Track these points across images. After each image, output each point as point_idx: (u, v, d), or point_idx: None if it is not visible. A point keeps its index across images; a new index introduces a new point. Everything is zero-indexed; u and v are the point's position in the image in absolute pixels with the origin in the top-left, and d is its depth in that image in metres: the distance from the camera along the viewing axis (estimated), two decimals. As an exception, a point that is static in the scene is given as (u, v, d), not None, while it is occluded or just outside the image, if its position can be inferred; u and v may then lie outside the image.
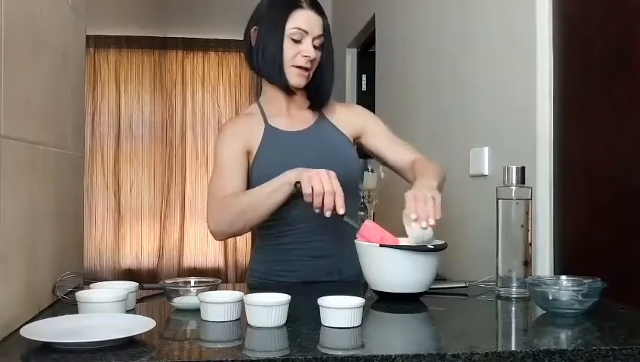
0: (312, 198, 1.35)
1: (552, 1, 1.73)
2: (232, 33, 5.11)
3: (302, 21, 1.53)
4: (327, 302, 1.08)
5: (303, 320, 1.10)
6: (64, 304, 1.26)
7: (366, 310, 1.13)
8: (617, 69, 1.49)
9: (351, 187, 1.54)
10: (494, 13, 2.04)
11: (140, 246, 5.16)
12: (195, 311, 1.15)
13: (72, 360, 0.88)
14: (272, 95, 1.63)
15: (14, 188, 1.07)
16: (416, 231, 1.31)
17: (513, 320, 1.29)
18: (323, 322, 1.07)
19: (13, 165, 1.07)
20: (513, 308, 1.33)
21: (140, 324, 1.00)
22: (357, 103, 3.98)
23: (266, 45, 1.55)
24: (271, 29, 1.54)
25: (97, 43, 5.05)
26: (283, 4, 1.54)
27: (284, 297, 1.09)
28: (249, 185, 1.56)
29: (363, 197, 1.79)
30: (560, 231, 1.69)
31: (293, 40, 1.53)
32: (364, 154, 1.69)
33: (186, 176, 5.21)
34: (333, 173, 1.36)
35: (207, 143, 5.22)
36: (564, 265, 1.68)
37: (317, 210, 1.36)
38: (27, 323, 1.03)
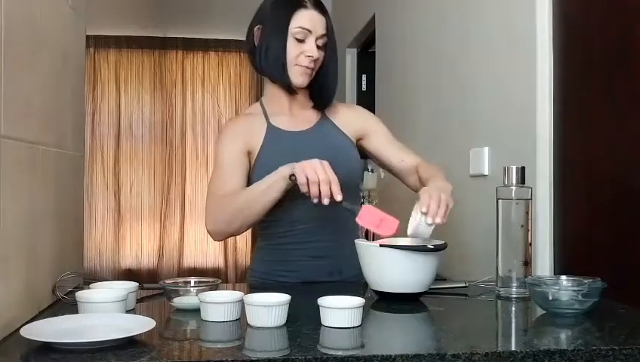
0: (308, 188, 1.34)
1: (552, 1, 1.73)
2: (232, 33, 5.12)
3: (305, 20, 1.53)
4: (327, 302, 1.08)
5: (303, 320, 1.10)
6: (64, 304, 1.26)
7: (366, 310, 1.13)
8: (617, 69, 1.49)
9: (352, 187, 1.54)
10: (494, 13, 2.04)
11: (139, 246, 5.16)
12: (195, 311, 1.15)
13: (72, 360, 0.88)
14: (274, 94, 1.63)
15: (14, 188, 1.07)
16: (419, 223, 1.31)
17: (513, 320, 1.29)
18: (323, 322, 1.07)
19: (13, 165, 1.07)
20: (513, 308, 1.33)
21: (140, 324, 1.00)
22: (357, 103, 3.99)
23: (270, 44, 1.55)
24: (274, 29, 1.54)
25: (97, 43, 5.05)
26: (287, 4, 1.54)
27: (284, 297, 1.09)
28: (249, 184, 1.55)
29: (363, 197, 1.80)
30: (560, 231, 1.69)
31: (296, 39, 1.53)
32: (364, 154, 1.69)
33: (186, 176, 5.21)
34: (325, 162, 1.35)
35: (207, 143, 5.22)
36: (564, 265, 1.68)
37: (315, 200, 1.34)
38: (27, 323, 1.03)
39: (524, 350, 0.94)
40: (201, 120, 5.24)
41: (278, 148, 1.56)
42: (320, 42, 1.55)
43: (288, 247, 1.58)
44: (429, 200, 1.31)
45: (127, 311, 1.17)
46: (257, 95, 5.19)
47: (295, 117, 1.62)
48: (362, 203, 1.48)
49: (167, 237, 5.18)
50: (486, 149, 2.06)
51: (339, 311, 1.06)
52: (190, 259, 5.21)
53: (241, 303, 1.12)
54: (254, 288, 1.53)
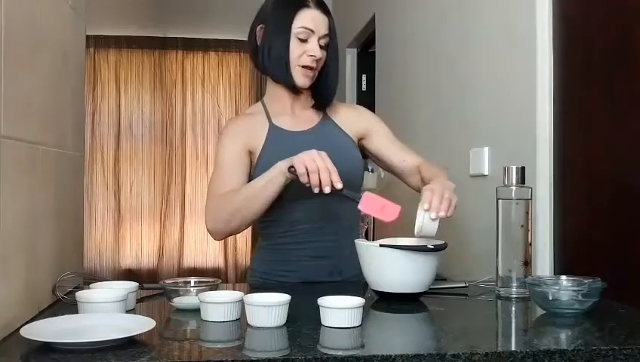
0: (308, 178, 1.34)
1: (552, 1, 1.73)
2: (232, 33, 5.12)
3: (308, 20, 1.53)
4: (327, 302, 1.08)
5: (303, 320, 1.10)
6: (64, 304, 1.26)
7: (366, 310, 1.13)
8: (617, 69, 1.49)
9: (354, 187, 1.54)
10: (494, 13, 2.04)
11: (140, 246, 5.16)
12: (195, 311, 1.15)
13: (72, 360, 0.88)
14: (276, 94, 1.63)
15: (14, 188, 1.07)
16: (424, 220, 1.30)
17: (513, 320, 1.29)
18: (323, 322, 1.07)
19: (13, 165, 1.07)
20: (513, 308, 1.33)
21: (140, 324, 1.00)
22: (357, 103, 3.98)
23: (272, 44, 1.55)
24: (277, 28, 1.54)
25: (97, 43, 5.05)
26: (289, 3, 1.54)
27: (284, 297, 1.09)
28: None
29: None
30: (560, 231, 1.69)
31: (299, 39, 1.53)
32: (365, 154, 1.69)
33: (186, 176, 5.21)
34: (323, 152, 1.35)
35: (207, 143, 5.22)
36: (564, 265, 1.68)
37: (316, 189, 1.33)
38: (27, 323, 1.03)
39: (524, 350, 0.94)
40: (201, 120, 5.24)
41: (280, 147, 1.56)
42: (322, 42, 1.55)
43: (289, 247, 1.58)
44: (431, 196, 1.31)
45: (127, 311, 1.17)
46: (257, 95, 5.19)
47: (297, 117, 1.62)
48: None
49: (167, 237, 5.18)
50: (486, 149, 2.06)
51: (339, 311, 1.06)
52: (190, 259, 5.21)
53: (241, 303, 1.12)
54: (255, 288, 1.54)
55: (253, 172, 1.56)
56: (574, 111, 1.65)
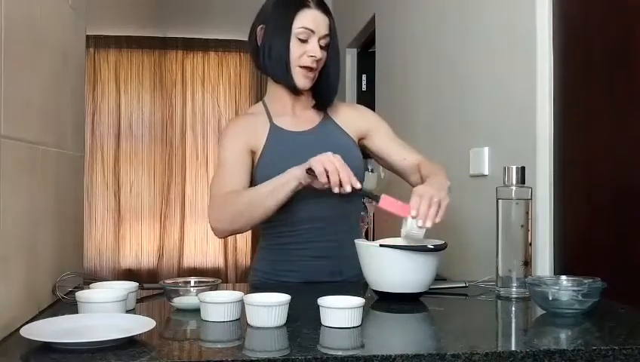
0: (328, 178, 1.35)
1: (552, 1, 1.73)
2: (232, 33, 5.12)
3: (308, 20, 1.53)
4: (327, 302, 1.08)
5: (303, 320, 1.10)
6: (64, 304, 1.26)
7: (366, 310, 1.13)
8: (617, 69, 1.49)
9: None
10: (494, 13, 2.04)
11: (140, 246, 5.16)
12: (195, 311, 1.15)
13: (72, 360, 0.88)
14: (277, 94, 1.63)
15: (14, 188, 1.07)
16: (410, 226, 1.31)
17: (513, 320, 1.29)
18: (323, 322, 1.07)
19: (13, 165, 1.07)
20: (513, 308, 1.33)
21: (140, 324, 1.00)
22: (357, 103, 3.98)
23: (273, 44, 1.55)
24: (277, 28, 1.54)
25: (97, 43, 5.05)
26: (290, 4, 1.54)
27: (284, 297, 1.09)
28: (253, 184, 1.56)
29: (363, 197, 1.79)
30: (560, 231, 1.69)
31: (299, 39, 1.53)
32: (365, 154, 1.69)
33: (186, 176, 5.21)
34: (337, 155, 1.38)
35: (207, 143, 5.22)
36: (564, 265, 1.68)
37: (335, 189, 1.36)
38: (27, 323, 1.03)
39: (524, 350, 0.94)
40: (201, 120, 5.24)
41: (281, 148, 1.56)
42: (323, 42, 1.55)
43: (290, 247, 1.58)
44: (419, 201, 1.31)
45: (127, 311, 1.17)
46: (257, 95, 5.19)
47: (298, 117, 1.62)
48: (363, 203, 1.48)
49: (167, 237, 5.18)
50: (486, 149, 2.06)
51: (339, 311, 1.06)
52: (190, 259, 5.21)
53: (241, 303, 1.12)
54: (256, 288, 1.54)
55: (255, 172, 1.56)
56: (574, 111, 1.65)
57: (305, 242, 1.57)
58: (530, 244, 1.39)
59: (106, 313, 1.10)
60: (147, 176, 5.17)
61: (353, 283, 1.54)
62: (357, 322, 1.07)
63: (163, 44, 5.19)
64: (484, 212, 1.90)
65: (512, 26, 1.91)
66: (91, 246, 5.02)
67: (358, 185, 1.35)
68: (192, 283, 1.28)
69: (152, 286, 1.45)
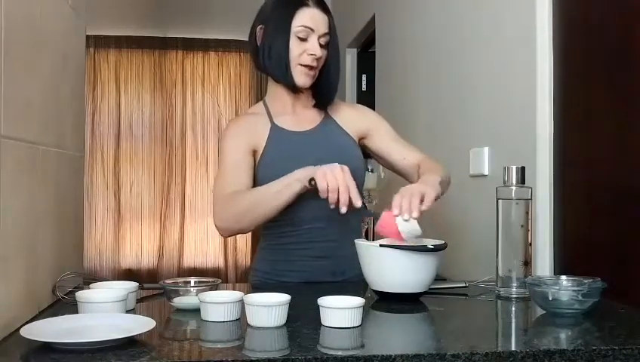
0: (328, 195, 1.35)
1: (552, 1, 1.73)
2: (232, 33, 5.12)
3: (308, 19, 1.53)
4: (327, 302, 1.08)
5: (303, 320, 1.10)
6: (64, 304, 1.26)
7: (366, 310, 1.13)
8: (617, 69, 1.49)
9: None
10: (494, 14, 2.04)
11: (140, 246, 5.16)
12: (195, 311, 1.15)
13: (72, 360, 0.88)
14: (277, 93, 1.63)
15: (14, 188, 1.07)
16: (402, 225, 1.32)
17: (513, 320, 1.29)
18: (323, 322, 1.07)
19: (13, 165, 1.07)
20: (513, 308, 1.33)
21: (140, 324, 1.00)
22: (357, 103, 3.98)
23: (272, 44, 1.55)
24: (277, 28, 1.54)
25: (97, 43, 5.06)
26: (289, 3, 1.54)
27: (284, 297, 1.09)
28: (254, 184, 1.56)
29: (363, 197, 1.79)
30: (560, 231, 1.69)
31: (299, 38, 1.53)
32: (365, 154, 1.69)
33: (186, 176, 5.21)
34: (345, 167, 1.37)
35: (207, 143, 5.22)
36: (564, 265, 1.68)
37: (332, 206, 1.35)
38: (27, 323, 1.03)
39: (524, 350, 0.94)
40: (201, 120, 5.24)
41: (282, 147, 1.56)
42: (322, 41, 1.55)
43: (291, 247, 1.58)
44: (400, 199, 1.32)
45: (127, 311, 1.16)
46: (257, 95, 5.19)
47: (298, 116, 1.62)
48: (363, 203, 1.48)
49: (167, 237, 5.18)
50: (486, 149, 2.06)
51: (339, 311, 1.06)
52: (190, 259, 5.21)
53: (241, 303, 1.12)
54: (256, 288, 1.54)
55: (256, 172, 1.56)
56: (574, 111, 1.65)
57: (305, 242, 1.57)
58: (530, 244, 1.39)
59: (106, 313, 1.10)
60: (147, 176, 5.17)
61: (353, 283, 1.54)
62: (357, 322, 1.07)
63: (163, 44, 5.19)
64: (484, 212, 1.90)
65: (512, 26, 1.91)
66: (91, 246, 5.02)
67: (358, 204, 1.35)
68: (192, 283, 1.28)
69: (152, 286, 1.45)
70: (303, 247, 1.57)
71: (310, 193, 1.40)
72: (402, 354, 0.91)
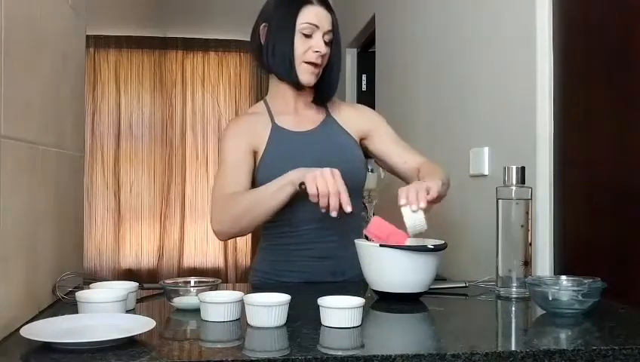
0: (318, 199, 1.34)
1: (552, 1, 1.73)
2: (232, 33, 5.12)
3: (312, 16, 1.53)
4: (327, 302, 1.08)
5: (303, 320, 1.10)
6: (64, 304, 1.26)
7: (366, 310, 1.13)
8: (617, 69, 1.49)
9: (356, 187, 1.54)
10: (494, 14, 2.04)
11: (140, 246, 5.16)
12: (195, 311, 1.15)
13: (72, 360, 0.88)
14: (279, 92, 1.62)
15: (14, 188, 1.07)
16: (408, 216, 1.32)
17: (513, 320, 1.29)
18: (323, 322, 1.07)
19: (13, 165, 1.07)
20: (513, 308, 1.33)
21: (140, 324, 1.00)
22: (357, 103, 3.98)
23: (277, 41, 1.55)
24: (281, 25, 1.54)
25: (97, 43, 5.05)
26: (293, 1, 1.54)
27: (284, 297, 1.09)
28: (254, 184, 1.55)
29: (363, 197, 1.79)
30: (560, 231, 1.69)
31: (303, 35, 1.53)
32: (365, 154, 1.69)
33: (186, 176, 5.21)
34: (337, 171, 1.36)
35: (207, 143, 5.23)
36: (564, 265, 1.68)
37: (323, 210, 1.35)
38: (27, 323, 1.03)
39: (524, 350, 0.94)
40: (201, 120, 5.24)
41: (283, 148, 1.56)
42: (326, 38, 1.55)
43: (291, 248, 1.58)
44: (405, 191, 1.34)
45: (127, 311, 1.16)
46: (257, 95, 5.19)
47: (300, 116, 1.62)
48: (363, 203, 1.48)
49: (167, 237, 5.18)
50: (486, 149, 2.06)
51: (339, 311, 1.06)
52: (190, 259, 5.21)
53: (241, 303, 1.12)
54: (256, 288, 1.53)
55: (256, 172, 1.56)
56: (574, 111, 1.65)
57: (305, 243, 1.57)
58: (530, 244, 1.39)
59: (106, 313, 1.10)
60: (147, 176, 5.17)
61: (353, 283, 1.54)
62: (357, 322, 1.07)
63: (163, 44, 5.19)
64: (484, 212, 1.90)
65: (512, 26, 1.91)
66: (91, 246, 5.02)
67: (348, 209, 1.34)
68: (192, 283, 1.28)
69: (152, 286, 1.45)
70: (302, 248, 1.57)
71: (302, 195, 1.39)
72: (402, 354, 0.91)
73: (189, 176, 5.22)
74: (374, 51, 3.71)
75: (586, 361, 0.94)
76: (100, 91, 5.11)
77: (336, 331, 1.05)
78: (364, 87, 4.40)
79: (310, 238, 1.56)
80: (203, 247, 5.22)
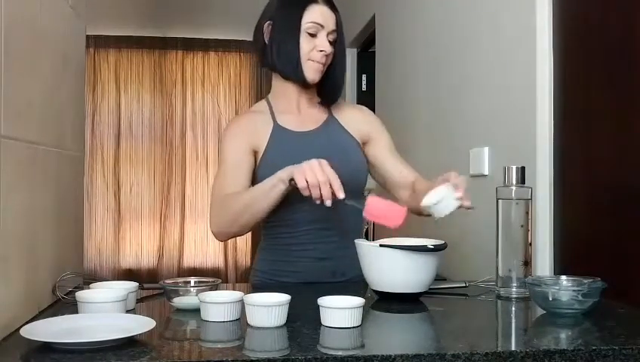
0: (309, 191, 1.33)
1: (552, 1, 1.73)
2: (232, 33, 5.12)
3: (317, 15, 1.53)
4: (327, 302, 1.08)
5: (303, 320, 1.10)
6: (64, 304, 1.26)
7: (366, 310, 1.13)
8: (617, 69, 1.49)
9: (357, 189, 1.53)
10: (494, 14, 2.04)
11: (140, 246, 5.16)
12: (195, 311, 1.15)
13: (72, 360, 0.88)
14: (283, 90, 1.62)
15: (14, 188, 1.07)
16: (445, 195, 1.29)
17: (513, 320, 1.29)
18: (323, 322, 1.07)
19: (13, 165, 1.07)
20: (513, 308, 1.33)
21: (140, 324, 1.00)
22: (357, 103, 3.98)
23: (282, 40, 1.54)
24: (286, 24, 1.54)
25: (97, 43, 5.05)
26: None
27: (284, 297, 1.09)
28: (255, 184, 1.55)
29: (364, 196, 1.78)
30: (560, 231, 1.69)
31: (308, 34, 1.52)
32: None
33: (186, 176, 5.21)
34: (323, 161, 1.34)
35: (207, 143, 5.23)
36: (564, 265, 1.68)
37: (317, 201, 1.33)
38: (27, 323, 1.03)
39: (524, 350, 0.94)
40: (201, 120, 5.24)
41: (284, 147, 1.55)
42: (331, 37, 1.55)
43: (292, 248, 1.58)
44: (461, 179, 1.33)
45: (127, 311, 1.16)
46: (257, 95, 5.19)
47: (302, 115, 1.61)
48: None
49: (167, 237, 5.18)
50: (486, 149, 2.06)
51: (339, 311, 1.06)
52: (190, 259, 5.21)
53: (241, 303, 1.12)
54: (256, 288, 1.53)
55: (257, 172, 1.55)
56: (574, 111, 1.66)
57: (304, 243, 1.56)
58: (530, 244, 1.39)
59: (106, 313, 1.10)
60: (147, 176, 5.17)
61: (353, 283, 1.54)
62: (357, 322, 1.07)
63: (163, 44, 5.19)
64: (484, 212, 1.90)
65: (512, 26, 1.91)
66: (91, 246, 5.02)
67: (340, 196, 1.32)
68: (192, 283, 1.28)
69: (152, 286, 1.45)
70: (302, 248, 1.57)
71: (301, 196, 1.37)
72: (402, 354, 0.91)
73: (189, 176, 5.22)
74: (374, 51, 3.71)
75: (586, 361, 0.94)
76: (100, 91, 5.11)
77: (336, 331, 1.05)
78: (364, 87, 4.40)
79: (310, 239, 1.56)
80: (203, 247, 5.22)
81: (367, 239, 1.54)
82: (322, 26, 1.53)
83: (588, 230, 1.59)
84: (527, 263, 1.37)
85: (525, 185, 1.40)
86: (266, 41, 1.57)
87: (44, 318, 1.10)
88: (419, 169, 1.64)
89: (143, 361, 0.88)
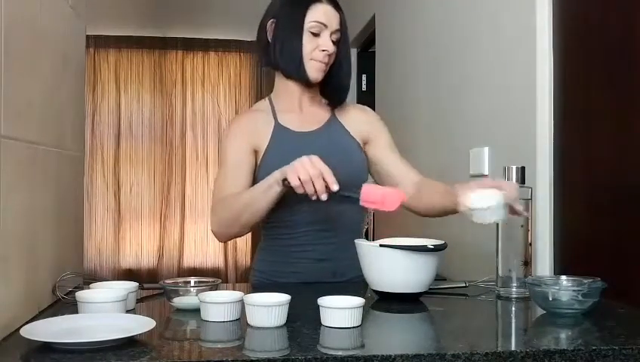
0: (304, 188, 1.33)
1: (552, 1, 1.73)
2: (232, 33, 5.12)
3: (320, 14, 1.52)
4: (327, 302, 1.08)
5: (303, 320, 1.10)
6: (64, 304, 1.26)
7: (366, 310, 1.13)
8: (617, 69, 1.49)
9: (357, 188, 1.53)
10: (494, 14, 2.04)
11: (140, 246, 5.16)
12: (195, 311, 1.15)
13: (72, 360, 0.88)
14: (285, 89, 1.61)
15: (14, 188, 1.07)
16: (497, 202, 1.27)
17: (513, 320, 1.29)
18: (323, 322, 1.07)
19: (13, 165, 1.07)
20: (513, 308, 1.33)
21: (140, 324, 1.00)
22: (357, 103, 3.97)
23: (285, 39, 1.54)
24: (289, 23, 1.53)
25: (97, 43, 5.05)
26: None
27: (284, 297, 1.09)
28: (256, 183, 1.54)
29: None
30: (560, 231, 1.69)
31: (312, 33, 1.52)
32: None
33: (186, 176, 5.21)
34: (314, 156, 1.33)
35: (207, 143, 5.22)
36: (564, 265, 1.68)
37: (313, 197, 1.32)
38: (27, 323, 1.03)
39: (524, 350, 0.94)
40: (201, 120, 5.24)
41: (285, 148, 1.55)
42: (334, 37, 1.55)
43: (291, 249, 1.57)
44: (517, 193, 1.31)
45: (127, 311, 1.17)
46: (257, 95, 5.19)
47: (304, 114, 1.61)
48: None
49: (167, 237, 5.18)
50: (486, 149, 2.06)
51: (339, 311, 1.06)
52: (190, 259, 5.21)
53: (241, 303, 1.12)
54: (256, 288, 1.53)
55: (258, 172, 1.55)
56: (574, 111, 1.66)
57: (304, 244, 1.56)
58: (530, 244, 1.39)
59: (106, 313, 1.10)
60: (147, 176, 5.17)
61: (353, 283, 1.54)
62: (357, 322, 1.07)
63: (163, 44, 5.19)
64: (484, 212, 1.90)
65: (511, 26, 1.91)
66: (91, 246, 5.02)
67: (334, 188, 1.31)
68: (192, 283, 1.28)
69: (152, 286, 1.45)
70: (301, 250, 1.56)
71: (300, 197, 1.37)
72: (402, 354, 0.91)
73: (189, 176, 5.22)
74: (374, 51, 3.71)
75: (586, 361, 0.94)
76: (100, 91, 5.11)
77: (336, 331, 1.05)
78: (364, 87, 4.40)
79: (309, 240, 1.56)
80: (203, 247, 5.22)
81: (367, 239, 1.54)
82: (325, 26, 1.53)
83: (588, 230, 1.59)
84: (527, 263, 1.37)
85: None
86: (270, 40, 1.57)
87: (44, 318, 1.10)
88: (419, 169, 1.64)
89: (142, 361, 0.88)
